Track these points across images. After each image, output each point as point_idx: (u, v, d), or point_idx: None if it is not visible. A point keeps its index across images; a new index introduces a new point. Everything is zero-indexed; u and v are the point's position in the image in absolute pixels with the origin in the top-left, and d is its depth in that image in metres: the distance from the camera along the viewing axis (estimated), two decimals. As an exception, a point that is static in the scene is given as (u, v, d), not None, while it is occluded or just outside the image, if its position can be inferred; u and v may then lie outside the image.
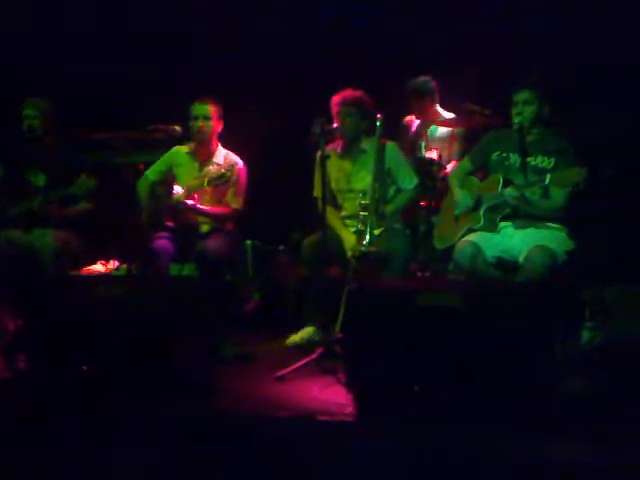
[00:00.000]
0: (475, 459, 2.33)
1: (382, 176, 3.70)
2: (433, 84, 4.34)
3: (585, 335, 3.29)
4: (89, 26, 4.77)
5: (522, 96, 3.34)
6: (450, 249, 3.44)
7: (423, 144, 4.27)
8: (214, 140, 3.91)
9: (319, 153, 3.66)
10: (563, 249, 3.22)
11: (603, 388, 2.88)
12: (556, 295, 2.91)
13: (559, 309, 2.87)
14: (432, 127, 4.37)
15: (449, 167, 4.16)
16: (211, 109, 3.83)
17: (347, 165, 3.83)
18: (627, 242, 3.69)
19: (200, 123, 3.81)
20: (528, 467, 2.28)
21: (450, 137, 4.31)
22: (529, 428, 2.42)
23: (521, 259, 3.21)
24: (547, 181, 3.11)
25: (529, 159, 3.34)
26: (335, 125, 3.65)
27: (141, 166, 3.98)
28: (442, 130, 4.35)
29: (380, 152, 3.66)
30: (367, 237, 3.48)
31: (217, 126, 3.87)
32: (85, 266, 4.08)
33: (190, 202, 3.69)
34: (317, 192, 3.84)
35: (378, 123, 3.63)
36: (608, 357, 3.12)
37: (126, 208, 3.91)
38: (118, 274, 3.98)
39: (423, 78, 4.33)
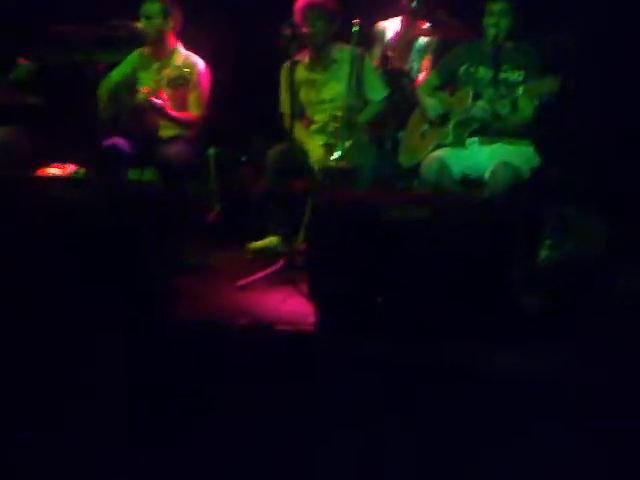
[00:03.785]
0: (436, 372, 2.38)
1: (357, 86, 3.58)
2: None
3: (543, 253, 3.35)
4: None
5: (498, 6, 3.25)
6: (416, 166, 3.41)
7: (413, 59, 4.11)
8: (169, 40, 3.70)
9: (285, 64, 3.52)
10: (528, 166, 3.22)
11: (558, 305, 2.95)
12: (517, 212, 2.93)
13: (519, 226, 2.90)
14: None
15: (419, 79, 4.07)
16: (155, 7, 3.60)
17: (317, 75, 3.68)
18: (592, 162, 3.71)
19: (143, 23, 3.62)
20: (487, 379, 2.34)
21: (427, 49, 4.18)
22: (488, 342, 2.47)
23: (486, 175, 3.21)
24: (520, 92, 3.07)
25: (500, 72, 3.28)
26: (304, 31, 3.49)
27: (100, 66, 3.78)
28: (422, 41, 4.21)
29: (356, 61, 3.51)
30: (338, 151, 3.40)
31: (166, 25, 3.65)
32: (40, 168, 3.93)
33: (158, 101, 3.53)
34: (284, 108, 3.70)
35: (355, 29, 3.44)
36: (565, 275, 3.20)
37: (84, 110, 3.74)
38: (75, 178, 3.85)
39: None
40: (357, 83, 3.62)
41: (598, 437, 2.02)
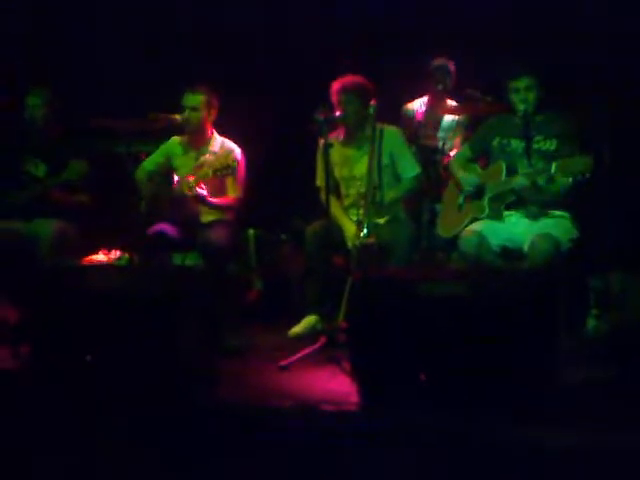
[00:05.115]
0: (479, 448, 2.32)
1: (379, 163, 3.65)
2: (452, 67, 4.28)
3: (590, 323, 3.28)
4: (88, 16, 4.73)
5: (523, 82, 3.32)
6: (453, 238, 3.43)
7: (441, 135, 4.21)
8: (207, 129, 3.87)
9: (321, 141, 3.63)
10: (567, 237, 3.21)
11: (608, 378, 2.86)
12: (560, 283, 2.89)
13: (564, 297, 2.86)
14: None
15: (452, 155, 4.13)
16: (200, 99, 3.77)
17: (350, 152, 3.79)
18: (632, 228, 3.67)
19: (187, 114, 3.77)
20: (528, 455, 2.28)
21: (456, 126, 4.28)
22: (531, 417, 2.41)
23: (525, 247, 3.20)
24: (553, 170, 3.09)
25: (532, 143, 3.31)
26: (337, 113, 3.61)
27: (142, 155, 3.95)
28: (448, 119, 4.32)
29: (376, 139, 3.59)
30: (365, 228, 3.45)
31: (207, 116, 3.82)
32: (87, 256, 4.07)
33: (201, 192, 3.65)
34: (320, 182, 3.81)
35: (371, 109, 3.56)
36: (614, 346, 3.11)
37: (127, 198, 3.89)
38: (120, 264, 3.96)
39: (445, 59, 4.26)
40: (391, 160, 3.70)
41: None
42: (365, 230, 3.45)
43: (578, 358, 2.92)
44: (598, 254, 3.36)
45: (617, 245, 3.49)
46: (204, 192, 3.66)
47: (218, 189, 3.81)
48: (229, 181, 3.81)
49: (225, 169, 3.61)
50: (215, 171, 3.60)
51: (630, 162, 3.66)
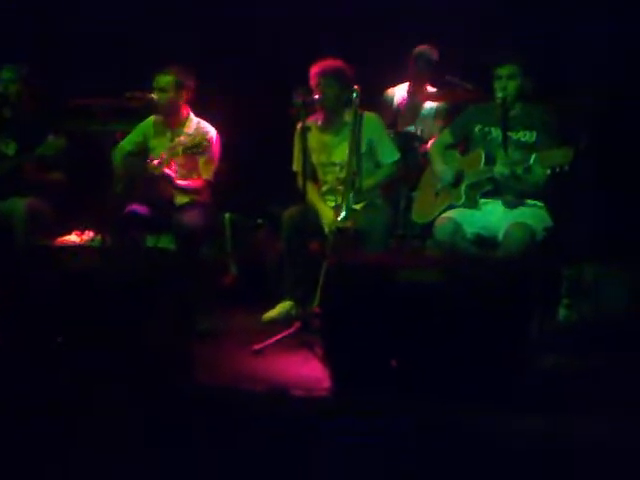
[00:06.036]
0: (451, 435, 2.34)
1: (359, 149, 3.64)
2: (436, 56, 4.25)
3: (562, 312, 3.32)
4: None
5: (505, 70, 3.31)
6: (429, 225, 3.43)
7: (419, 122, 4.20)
8: (181, 110, 3.80)
9: (299, 125, 3.61)
10: (542, 226, 3.22)
11: (576, 366, 2.90)
12: (534, 272, 2.92)
13: (536, 286, 2.89)
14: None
15: (430, 142, 4.13)
16: (168, 79, 3.70)
17: (328, 138, 3.76)
18: (607, 219, 3.70)
19: (156, 95, 3.71)
20: (497, 440, 2.30)
21: (434, 113, 4.27)
22: (502, 403, 2.43)
23: (500, 236, 3.21)
24: (532, 161, 3.09)
25: (511, 133, 3.32)
26: (316, 97, 3.58)
27: (117, 135, 3.90)
28: (427, 106, 4.31)
29: (357, 124, 3.58)
30: (343, 212, 3.45)
31: (177, 96, 3.74)
32: (60, 236, 4.01)
33: (168, 172, 3.61)
34: (297, 166, 3.78)
35: (354, 94, 3.55)
36: (583, 335, 3.15)
37: (102, 177, 3.84)
38: (93, 245, 3.92)
39: (428, 47, 4.22)
40: (369, 147, 3.69)
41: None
42: (343, 214, 3.43)
43: (548, 346, 2.94)
44: (572, 244, 3.38)
45: (591, 236, 3.52)
46: (171, 173, 3.62)
47: (191, 169, 3.77)
48: (201, 162, 3.76)
49: (195, 147, 3.57)
50: (185, 149, 3.56)
51: (607, 153, 3.68)
